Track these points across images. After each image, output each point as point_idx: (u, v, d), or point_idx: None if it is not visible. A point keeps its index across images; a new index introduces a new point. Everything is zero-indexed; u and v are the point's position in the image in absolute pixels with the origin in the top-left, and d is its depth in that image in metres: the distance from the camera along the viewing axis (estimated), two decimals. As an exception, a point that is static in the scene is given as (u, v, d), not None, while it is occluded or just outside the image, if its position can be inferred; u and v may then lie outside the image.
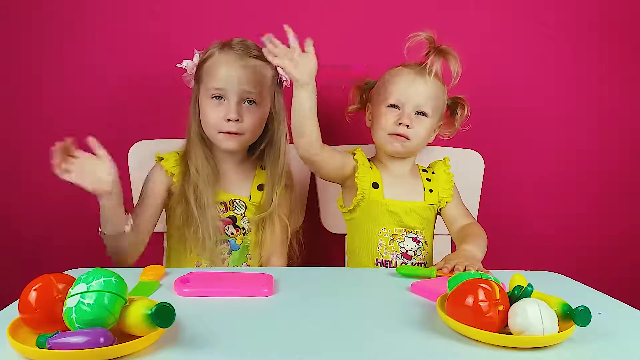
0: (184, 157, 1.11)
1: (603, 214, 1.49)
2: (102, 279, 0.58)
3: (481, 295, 0.62)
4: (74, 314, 0.56)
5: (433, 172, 1.19)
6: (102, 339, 0.54)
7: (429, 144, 1.19)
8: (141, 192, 1.11)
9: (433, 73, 1.09)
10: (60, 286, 0.60)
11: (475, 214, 1.26)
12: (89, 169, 0.91)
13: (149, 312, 0.56)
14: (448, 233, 1.19)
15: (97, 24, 1.33)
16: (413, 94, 1.09)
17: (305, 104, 0.99)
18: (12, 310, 0.68)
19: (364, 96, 1.21)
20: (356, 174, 1.12)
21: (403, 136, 1.10)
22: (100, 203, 0.94)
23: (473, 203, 1.28)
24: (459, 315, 0.64)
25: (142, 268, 0.87)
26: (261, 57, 1.06)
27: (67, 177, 0.90)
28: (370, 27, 1.37)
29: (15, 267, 1.38)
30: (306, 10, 1.35)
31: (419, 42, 1.10)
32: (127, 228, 0.98)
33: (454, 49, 1.10)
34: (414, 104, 1.09)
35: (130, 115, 1.35)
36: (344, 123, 1.23)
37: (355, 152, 1.15)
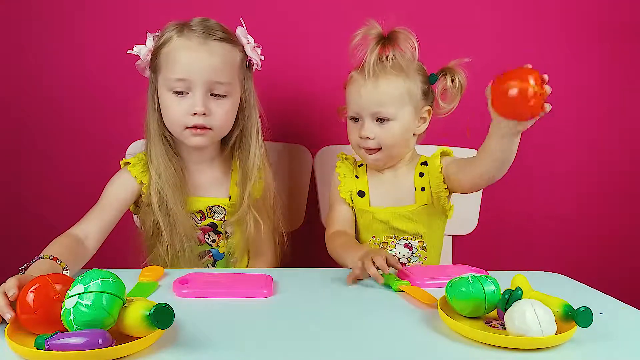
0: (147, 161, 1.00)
1: (603, 213, 1.49)
2: (100, 279, 0.57)
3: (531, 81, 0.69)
4: (72, 315, 0.56)
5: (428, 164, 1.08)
6: (100, 340, 0.54)
7: (428, 143, 1.18)
8: (101, 197, 0.99)
9: (371, 71, 0.98)
10: (58, 287, 0.60)
11: (476, 213, 1.26)
12: None
13: (148, 313, 0.55)
14: (448, 233, 1.18)
15: (97, 22, 1.33)
16: (365, 102, 1.00)
17: None
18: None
19: None
20: (339, 187, 1.09)
21: (370, 149, 1.03)
22: None
23: (474, 203, 1.28)
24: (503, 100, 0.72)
25: (141, 269, 0.86)
26: (227, 38, 0.98)
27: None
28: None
29: (14, 267, 1.37)
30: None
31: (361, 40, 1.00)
32: (67, 273, 0.81)
33: (399, 29, 1.00)
34: (371, 112, 1.01)
35: (129, 114, 1.35)
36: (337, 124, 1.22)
37: (338, 162, 1.12)
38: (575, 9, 1.41)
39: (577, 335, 0.62)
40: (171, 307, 0.56)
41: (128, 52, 1.00)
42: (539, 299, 0.64)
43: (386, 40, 1.00)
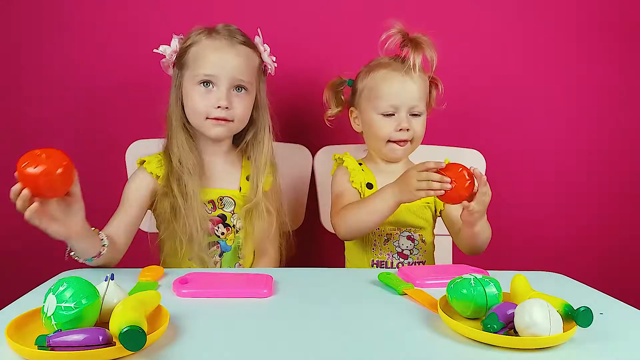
0: (167, 153, 1.07)
1: (603, 213, 1.49)
2: (66, 284, 0.58)
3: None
4: (53, 321, 0.56)
5: None
6: (101, 337, 0.54)
7: (428, 144, 1.19)
8: (122, 198, 1.05)
9: (418, 69, 1.07)
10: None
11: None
12: (58, 215, 0.81)
13: (121, 331, 0.53)
14: (448, 233, 1.18)
15: (96, 23, 1.33)
16: (406, 97, 1.08)
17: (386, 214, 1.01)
18: (10, 312, 0.67)
19: (341, 97, 1.19)
20: (350, 179, 1.12)
21: (404, 141, 1.10)
22: (69, 243, 0.86)
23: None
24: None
25: (141, 269, 0.86)
26: (249, 43, 1.08)
27: (36, 222, 0.79)
28: (358, 21, 1.37)
29: (14, 267, 1.37)
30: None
31: (390, 35, 1.08)
32: (103, 250, 0.90)
33: (424, 35, 1.08)
34: (409, 107, 1.09)
35: (128, 114, 1.35)
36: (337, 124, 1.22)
37: (343, 158, 1.15)
38: (575, 9, 1.41)
39: (577, 335, 0.62)
40: (143, 330, 0.53)
41: (154, 50, 1.07)
42: (540, 298, 0.63)
43: (418, 43, 1.08)
